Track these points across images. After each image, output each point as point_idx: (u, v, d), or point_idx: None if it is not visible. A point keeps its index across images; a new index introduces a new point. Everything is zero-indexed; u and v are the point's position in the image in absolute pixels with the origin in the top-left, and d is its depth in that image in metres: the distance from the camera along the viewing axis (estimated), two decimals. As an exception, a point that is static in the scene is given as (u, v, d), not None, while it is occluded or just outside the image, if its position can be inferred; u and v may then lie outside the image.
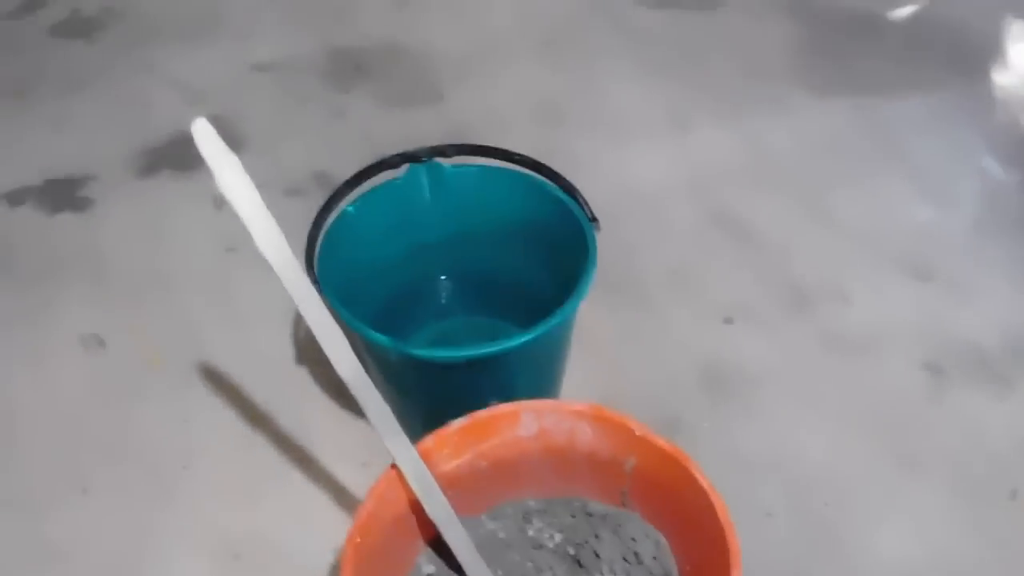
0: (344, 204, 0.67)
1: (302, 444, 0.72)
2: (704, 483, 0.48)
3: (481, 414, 0.52)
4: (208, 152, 0.38)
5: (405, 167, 0.69)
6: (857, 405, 0.74)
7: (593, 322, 0.75)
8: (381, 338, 0.57)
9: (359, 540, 0.47)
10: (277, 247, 0.41)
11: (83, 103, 1.07)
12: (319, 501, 0.69)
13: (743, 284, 0.84)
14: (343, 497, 0.69)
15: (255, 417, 0.74)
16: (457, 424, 0.52)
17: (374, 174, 0.68)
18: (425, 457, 0.49)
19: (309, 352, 0.79)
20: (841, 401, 0.74)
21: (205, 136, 0.38)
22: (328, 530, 0.66)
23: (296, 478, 0.70)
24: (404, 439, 0.48)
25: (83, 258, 0.89)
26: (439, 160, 0.69)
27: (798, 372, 0.77)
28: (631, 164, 0.96)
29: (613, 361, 0.77)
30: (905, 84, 1.05)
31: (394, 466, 0.49)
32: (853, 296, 0.83)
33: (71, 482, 0.71)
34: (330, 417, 0.74)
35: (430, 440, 0.51)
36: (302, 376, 0.77)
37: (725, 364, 0.77)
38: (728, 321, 0.81)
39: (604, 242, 0.64)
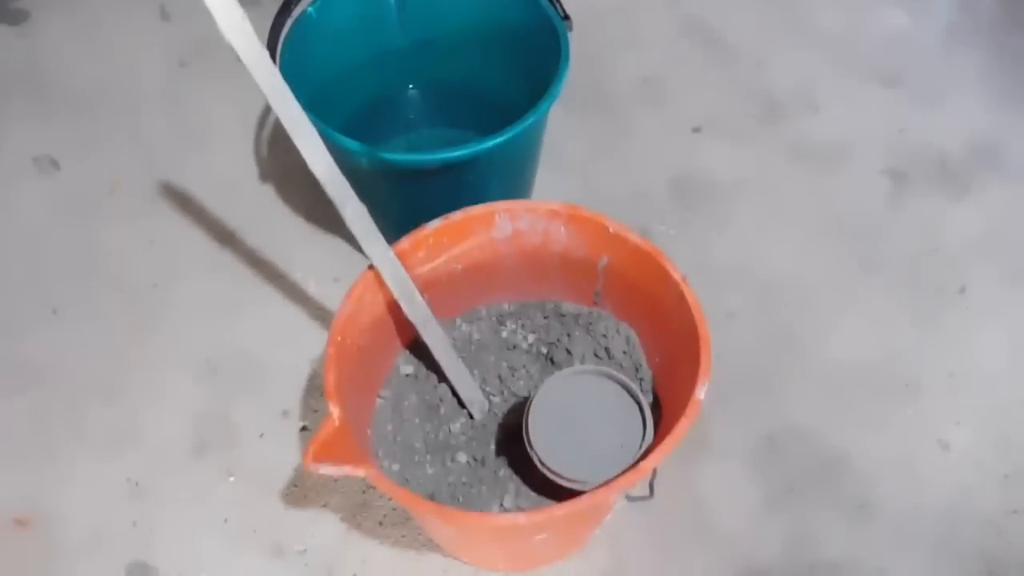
0: (304, 6, 0.63)
1: (272, 260, 0.72)
2: (676, 276, 0.49)
3: (456, 216, 0.52)
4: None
5: (366, -36, 0.65)
6: (822, 212, 0.75)
7: (562, 133, 0.74)
8: (353, 144, 0.55)
9: (340, 339, 0.48)
10: (245, 35, 0.39)
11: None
12: (292, 315, 0.69)
13: (714, 94, 0.83)
14: (315, 310, 0.70)
15: (223, 236, 0.73)
16: (432, 226, 0.51)
17: (333, -28, 0.64)
18: (401, 259, 0.49)
19: (273, 169, 0.77)
20: (807, 208, 0.76)
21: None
22: (303, 342, 0.68)
23: (268, 293, 0.71)
24: (381, 240, 0.48)
25: (24, 75, 0.84)
26: (403, -43, 0.65)
27: (766, 181, 0.77)
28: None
29: (582, 172, 0.77)
30: None
31: (371, 268, 0.49)
32: (823, 105, 0.82)
33: (42, 304, 0.70)
34: (299, 233, 0.74)
35: (406, 242, 0.51)
36: (268, 193, 0.76)
37: (694, 174, 0.78)
38: (697, 131, 0.80)
39: (572, 53, 0.61)
